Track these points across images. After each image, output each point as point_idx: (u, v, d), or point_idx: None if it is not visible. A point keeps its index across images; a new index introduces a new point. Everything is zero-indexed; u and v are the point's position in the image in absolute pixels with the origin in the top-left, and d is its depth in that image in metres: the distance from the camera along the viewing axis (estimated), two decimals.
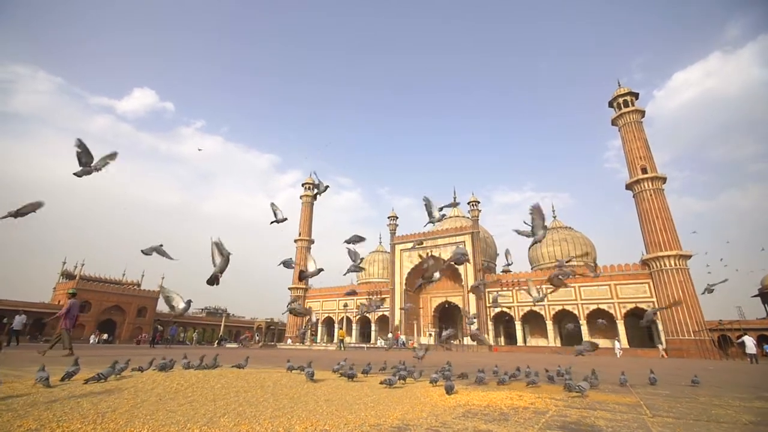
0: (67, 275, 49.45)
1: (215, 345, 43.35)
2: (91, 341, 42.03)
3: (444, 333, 10.85)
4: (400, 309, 40.84)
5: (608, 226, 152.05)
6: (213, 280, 5.05)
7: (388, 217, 52.86)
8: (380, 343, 43.66)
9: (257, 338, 49.21)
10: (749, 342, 19.96)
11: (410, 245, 48.75)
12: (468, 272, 43.74)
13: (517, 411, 3.39)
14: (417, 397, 3.99)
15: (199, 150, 24.16)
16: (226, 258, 5.02)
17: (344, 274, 8.93)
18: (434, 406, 3.52)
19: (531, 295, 9.11)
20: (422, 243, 47.25)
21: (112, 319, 49.73)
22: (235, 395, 3.66)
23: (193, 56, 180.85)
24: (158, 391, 3.68)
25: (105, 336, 45.04)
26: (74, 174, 5.20)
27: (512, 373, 6.37)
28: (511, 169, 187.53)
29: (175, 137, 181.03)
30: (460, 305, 45.78)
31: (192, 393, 3.67)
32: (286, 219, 8.40)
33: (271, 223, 8.40)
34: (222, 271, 5.02)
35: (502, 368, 8.01)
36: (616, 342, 32.08)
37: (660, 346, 31.44)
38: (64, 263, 49.73)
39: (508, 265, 10.53)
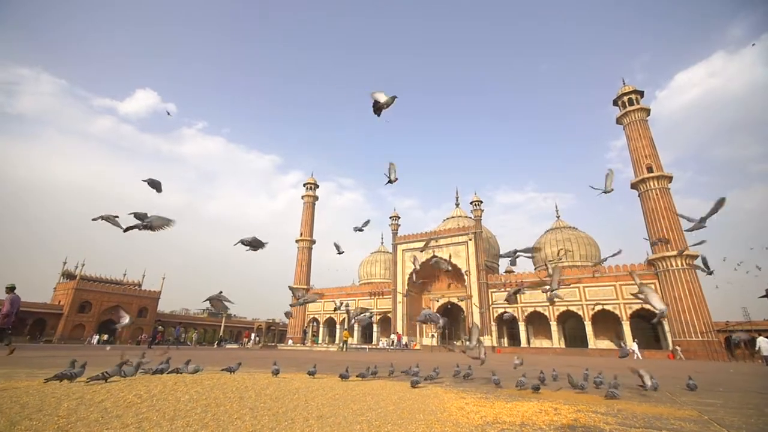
0: (68, 275, 49.19)
1: (215, 346, 42.89)
2: (93, 341, 41.74)
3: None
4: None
5: (611, 227, 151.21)
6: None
7: (390, 217, 52.37)
8: (382, 344, 43.11)
9: (256, 338, 48.72)
10: (765, 344, 19.30)
11: (412, 245, 48.21)
12: (471, 273, 43.18)
13: None
14: (432, 411, 3.35)
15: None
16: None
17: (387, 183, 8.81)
18: (456, 425, 2.91)
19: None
20: (429, 243, 46.61)
21: (113, 320, 49.35)
22: (203, 410, 2.96)
23: (194, 57, 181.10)
24: (106, 405, 2.97)
25: (105, 336, 44.66)
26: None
27: (540, 377, 5.82)
28: (513, 170, 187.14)
29: (178, 138, 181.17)
30: (463, 306, 45.23)
31: (148, 408, 2.97)
32: (343, 252, 9.71)
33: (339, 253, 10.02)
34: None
35: (519, 372, 7.46)
36: (635, 345, 31.51)
37: (677, 348, 30.70)
38: (65, 263, 49.53)
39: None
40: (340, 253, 9.15)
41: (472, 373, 6.60)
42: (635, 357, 30.13)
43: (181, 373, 5.46)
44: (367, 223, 10.41)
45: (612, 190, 8.41)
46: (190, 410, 2.96)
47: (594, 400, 4.39)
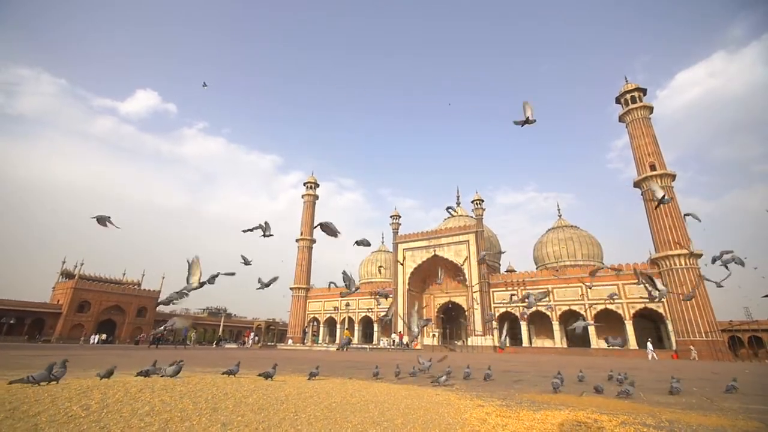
0: (67, 275, 48.95)
1: (214, 345, 42.61)
2: (93, 341, 41.55)
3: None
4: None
5: (612, 226, 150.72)
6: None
7: (391, 216, 52.10)
8: (383, 343, 42.84)
9: (255, 338, 48.50)
10: None
11: (413, 245, 47.89)
12: (472, 272, 42.85)
13: None
14: (449, 426, 2.86)
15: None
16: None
17: (342, 295, 9.34)
18: None
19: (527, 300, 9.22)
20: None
21: (112, 319, 49.14)
22: (161, 428, 2.38)
23: (194, 58, 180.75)
24: (40, 420, 2.38)
25: (104, 336, 44.44)
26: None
27: (559, 377, 5.40)
28: (513, 170, 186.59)
29: (178, 139, 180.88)
30: (464, 305, 44.91)
31: (90, 424, 2.40)
32: (272, 235, 8.94)
33: (244, 231, 8.93)
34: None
35: (531, 372, 7.12)
36: (649, 344, 31.15)
37: (691, 348, 30.25)
38: (64, 263, 49.27)
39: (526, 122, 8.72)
40: (266, 236, 8.74)
41: (491, 374, 6.27)
42: (650, 357, 29.77)
43: (158, 375, 4.97)
44: (364, 242, 9.65)
45: (532, 121, 8.36)
46: (144, 428, 2.39)
47: (633, 408, 3.91)
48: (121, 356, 11.95)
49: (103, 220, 6.33)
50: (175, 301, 5.99)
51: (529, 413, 3.38)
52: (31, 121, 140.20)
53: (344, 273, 7.66)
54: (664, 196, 7.18)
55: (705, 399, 5.07)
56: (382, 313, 48.31)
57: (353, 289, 7.30)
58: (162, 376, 4.78)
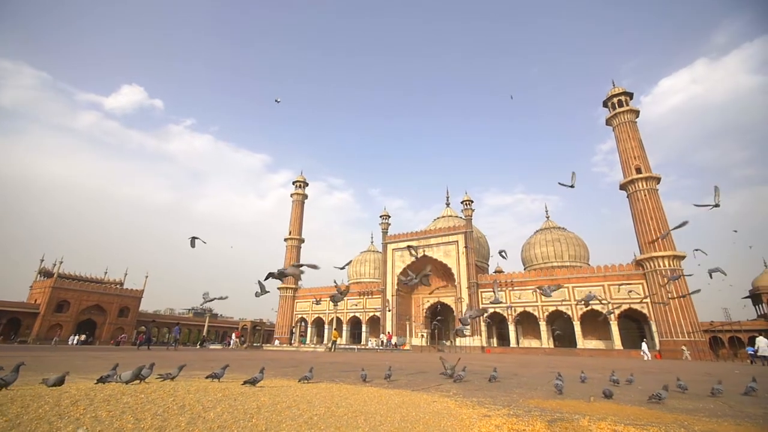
0: (45, 273, 47.43)
1: (198, 346, 41.62)
2: (73, 342, 40.24)
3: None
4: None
5: (598, 228, 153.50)
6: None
7: (380, 216, 51.85)
8: (371, 344, 42.54)
9: (241, 338, 47.63)
10: (763, 343, 18.86)
11: (402, 245, 47.71)
12: (461, 273, 42.91)
13: None
14: None
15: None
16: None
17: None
18: None
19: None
20: (416, 250, 46.15)
21: (92, 319, 47.73)
22: None
23: (183, 54, 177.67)
24: None
25: (83, 337, 43.07)
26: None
27: (561, 380, 5.16)
28: (502, 172, 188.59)
29: (164, 135, 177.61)
30: (453, 306, 44.93)
31: None
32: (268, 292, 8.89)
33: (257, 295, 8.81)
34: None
35: (525, 374, 6.90)
36: (644, 344, 31.47)
37: (684, 348, 30.56)
38: (42, 261, 47.72)
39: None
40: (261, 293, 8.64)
41: (497, 376, 6.04)
42: (644, 357, 30.07)
43: (110, 381, 4.37)
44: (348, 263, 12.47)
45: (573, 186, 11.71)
46: None
47: (655, 416, 3.59)
48: (93, 358, 11.37)
49: (193, 241, 6.70)
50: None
51: (543, 425, 2.99)
52: (12, 114, 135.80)
53: None
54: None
55: (722, 403, 4.83)
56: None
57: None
58: (117, 383, 4.24)
